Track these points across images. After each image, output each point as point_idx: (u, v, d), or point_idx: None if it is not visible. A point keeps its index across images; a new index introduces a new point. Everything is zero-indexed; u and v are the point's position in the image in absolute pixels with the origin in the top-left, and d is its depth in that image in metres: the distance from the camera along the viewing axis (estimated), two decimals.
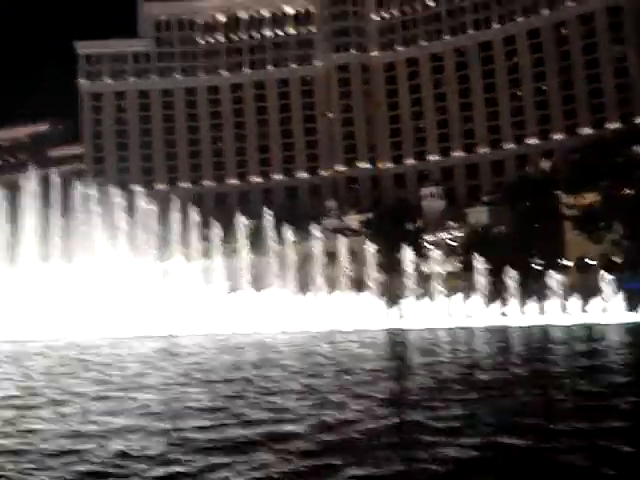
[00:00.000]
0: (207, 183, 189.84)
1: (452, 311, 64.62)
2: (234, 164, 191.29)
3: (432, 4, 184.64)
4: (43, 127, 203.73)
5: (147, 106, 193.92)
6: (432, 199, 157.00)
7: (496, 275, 72.58)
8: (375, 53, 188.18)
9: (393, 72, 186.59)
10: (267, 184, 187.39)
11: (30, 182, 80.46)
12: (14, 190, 79.75)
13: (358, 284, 76.71)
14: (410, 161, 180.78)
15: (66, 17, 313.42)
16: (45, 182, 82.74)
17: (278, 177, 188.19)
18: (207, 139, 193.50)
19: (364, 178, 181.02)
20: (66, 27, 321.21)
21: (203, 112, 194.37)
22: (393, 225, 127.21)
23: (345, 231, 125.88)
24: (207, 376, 27.96)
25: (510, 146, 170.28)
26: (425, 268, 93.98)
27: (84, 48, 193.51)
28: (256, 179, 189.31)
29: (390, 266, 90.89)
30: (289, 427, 17.25)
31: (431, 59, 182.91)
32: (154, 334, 54.70)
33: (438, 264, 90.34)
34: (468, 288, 71.64)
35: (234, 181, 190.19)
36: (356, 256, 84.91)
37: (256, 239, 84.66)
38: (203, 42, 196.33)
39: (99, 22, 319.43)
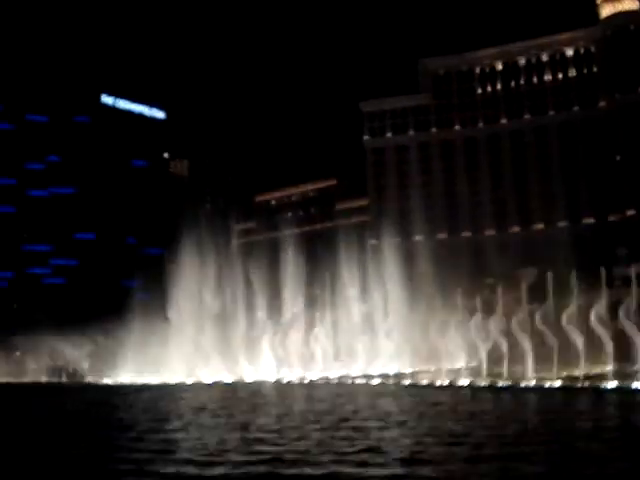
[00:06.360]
0: (488, 232, 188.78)
1: None
2: (515, 212, 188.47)
3: None
4: (331, 183, 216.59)
5: (427, 158, 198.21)
6: None
7: None
8: None
9: None
10: (551, 230, 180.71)
11: None
12: None
13: None
14: None
15: (353, 79, 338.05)
16: None
17: (562, 224, 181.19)
18: (487, 188, 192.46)
19: None
20: (353, 89, 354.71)
21: (483, 161, 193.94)
22: None
23: None
24: None
25: None
26: None
27: (367, 107, 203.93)
28: (538, 226, 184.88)
29: None
30: None
31: None
32: None
33: None
34: None
35: (517, 229, 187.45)
36: None
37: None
38: (481, 91, 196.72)
39: (384, 82, 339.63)
